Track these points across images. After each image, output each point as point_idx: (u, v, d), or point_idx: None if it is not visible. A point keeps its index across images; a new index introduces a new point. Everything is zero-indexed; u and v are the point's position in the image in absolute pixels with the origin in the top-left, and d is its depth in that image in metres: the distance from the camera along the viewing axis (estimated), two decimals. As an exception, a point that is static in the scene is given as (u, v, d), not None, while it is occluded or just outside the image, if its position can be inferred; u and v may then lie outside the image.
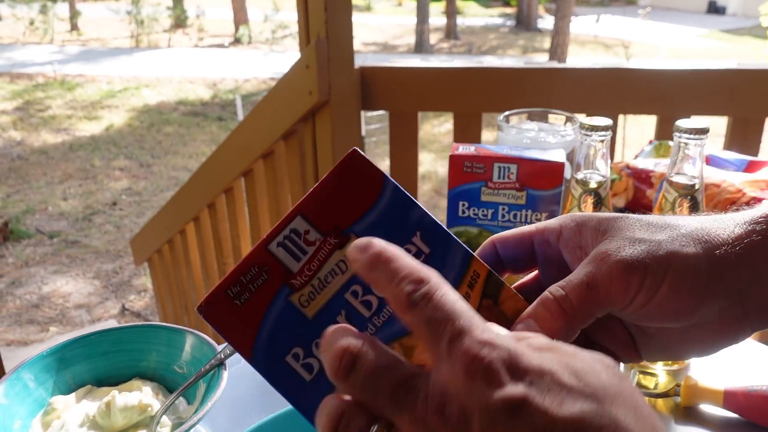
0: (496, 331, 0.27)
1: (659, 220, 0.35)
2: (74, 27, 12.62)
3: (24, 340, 3.41)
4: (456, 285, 0.34)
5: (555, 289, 0.33)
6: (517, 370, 0.25)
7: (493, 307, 0.34)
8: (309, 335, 0.32)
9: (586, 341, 0.36)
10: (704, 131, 0.59)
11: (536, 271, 0.39)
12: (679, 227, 0.34)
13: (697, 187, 0.62)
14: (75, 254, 4.46)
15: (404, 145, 1.67)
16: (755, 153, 1.55)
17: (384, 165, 2.62)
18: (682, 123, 0.60)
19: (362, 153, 0.34)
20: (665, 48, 11.46)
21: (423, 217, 0.34)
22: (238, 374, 0.66)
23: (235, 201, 1.93)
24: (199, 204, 2.06)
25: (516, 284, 0.39)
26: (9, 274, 4.16)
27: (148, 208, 5.14)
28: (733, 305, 0.33)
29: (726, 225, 0.34)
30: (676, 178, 0.62)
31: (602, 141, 0.63)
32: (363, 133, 1.81)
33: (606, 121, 0.62)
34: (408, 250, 0.33)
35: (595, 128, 0.62)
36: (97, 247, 4.57)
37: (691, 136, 0.59)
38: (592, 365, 0.27)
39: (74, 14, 12.59)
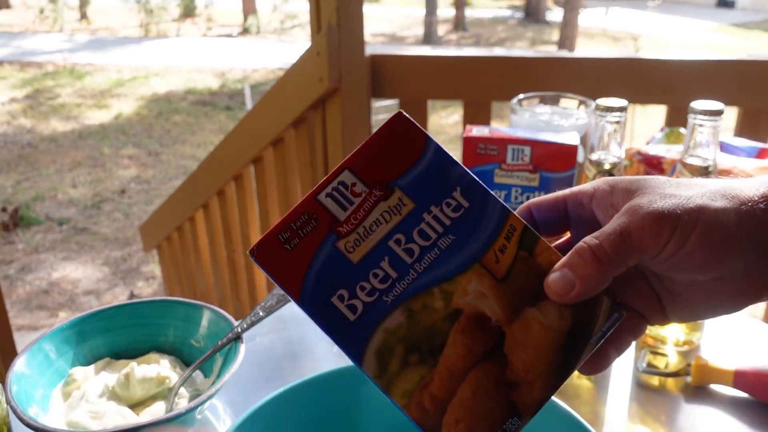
0: None
1: (687, 180, 0.37)
2: (84, 16, 12.63)
3: (34, 325, 3.44)
4: (494, 236, 0.36)
5: (589, 239, 0.35)
6: None
7: (529, 259, 0.36)
8: (353, 278, 0.35)
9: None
10: (719, 112, 0.60)
11: (569, 234, 0.41)
12: (706, 185, 0.36)
13: (710, 169, 0.62)
14: (84, 241, 4.49)
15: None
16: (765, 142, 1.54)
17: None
18: (697, 104, 0.60)
19: (407, 115, 0.36)
20: (674, 41, 11.38)
21: (463, 174, 0.37)
22: (254, 349, 0.67)
23: (245, 188, 1.93)
24: (208, 191, 2.07)
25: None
26: (19, 260, 4.19)
27: (156, 197, 5.16)
28: (759, 260, 0.34)
29: (751, 184, 0.35)
30: (690, 160, 0.63)
31: (617, 122, 0.63)
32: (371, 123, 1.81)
33: (621, 102, 0.63)
34: (448, 204, 0.36)
35: (610, 109, 0.63)
36: (106, 234, 4.59)
37: (706, 117, 0.60)
38: None
39: (84, 3, 12.59)
